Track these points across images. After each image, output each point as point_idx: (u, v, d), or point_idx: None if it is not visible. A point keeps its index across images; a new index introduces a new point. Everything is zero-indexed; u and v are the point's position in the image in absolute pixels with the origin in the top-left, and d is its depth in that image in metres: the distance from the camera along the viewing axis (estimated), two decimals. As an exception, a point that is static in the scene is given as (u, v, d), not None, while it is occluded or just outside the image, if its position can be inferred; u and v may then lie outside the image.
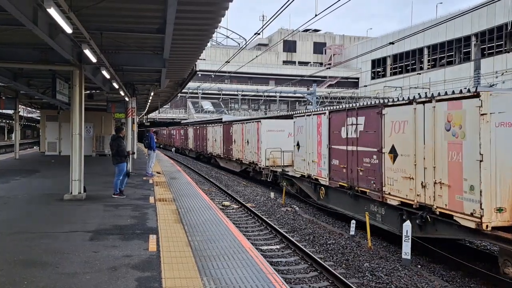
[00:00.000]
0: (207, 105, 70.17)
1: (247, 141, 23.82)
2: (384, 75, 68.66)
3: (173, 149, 53.25)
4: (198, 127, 39.29)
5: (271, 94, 63.36)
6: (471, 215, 7.82)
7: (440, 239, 9.30)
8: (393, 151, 10.26)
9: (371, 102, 12.52)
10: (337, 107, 14.26)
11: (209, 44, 15.15)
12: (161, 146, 62.26)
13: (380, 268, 8.84)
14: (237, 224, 12.54)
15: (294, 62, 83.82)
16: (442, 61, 57.88)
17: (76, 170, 11.47)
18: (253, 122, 23.42)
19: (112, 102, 21.53)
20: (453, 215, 8.30)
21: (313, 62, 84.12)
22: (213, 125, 33.50)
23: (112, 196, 11.76)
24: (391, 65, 67.94)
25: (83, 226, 8.39)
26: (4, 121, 62.26)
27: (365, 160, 11.45)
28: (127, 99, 19.01)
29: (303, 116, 15.89)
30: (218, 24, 9.65)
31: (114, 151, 12.00)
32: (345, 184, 12.55)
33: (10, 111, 39.02)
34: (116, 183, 11.91)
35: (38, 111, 37.43)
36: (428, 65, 60.36)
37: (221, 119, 44.41)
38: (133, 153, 12.05)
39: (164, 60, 12.80)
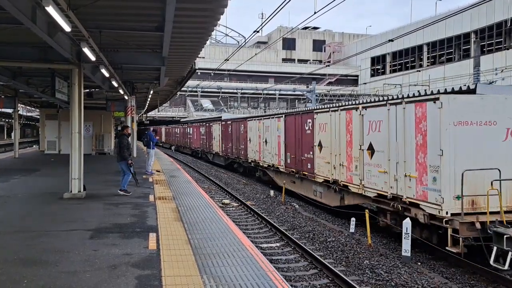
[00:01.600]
0: (206, 103, 70.12)
1: (371, 149, 11.23)
2: (383, 73, 68.62)
3: (173, 148, 53.01)
4: (230, 123, 27.25)
5: (270, 92, 63.36)
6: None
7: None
8: None
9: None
10: (336, 104, 14.01)
11: (208, 42, 15.16)
12: (174, 147, 56.95)
13: (380, 266, 8.85)
14: (237, 222, 12.55)
15: (293, 60, 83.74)
16: (442, 58, 57.85)
17: (76, 169, 11.48)
18: (404, 103, 10.03)
19: (111, 100, 21.54)
20: None
21: (313, 60, 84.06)
22: (260, 118, 21.21)
23: (119, 193, 11.86)
24: (390, 63, 67.89)
25: (83, 224, 8.40)
26: (3, 120, 62.28)
27: None
28: (126, 97, 19.02)
29: None
30: (217, 22, 9.64)
31: (117, 149, 12.30)
32: None
33: (10, 110, 39.04)
34: (125, 180, 12.07)
35: (37, 110, 37.45)
36: (428, 62, 60.33)
37: (221, 117, 44.33)
38: (131, 164, 12.31)
39: (163, 58, 12.80)
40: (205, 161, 36.46)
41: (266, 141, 20.02)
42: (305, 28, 78.96)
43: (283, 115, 17.98)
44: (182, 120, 63.45)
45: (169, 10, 7.65)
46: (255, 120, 22.08)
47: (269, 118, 19.92)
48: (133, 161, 12.80)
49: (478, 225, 8.22)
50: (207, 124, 34.59)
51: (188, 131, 44.01)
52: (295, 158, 16.39)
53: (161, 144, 61.55)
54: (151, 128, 58.51)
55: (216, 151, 31.12)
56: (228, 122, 27.77)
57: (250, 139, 22.57)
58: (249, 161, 22.71)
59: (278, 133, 18.32)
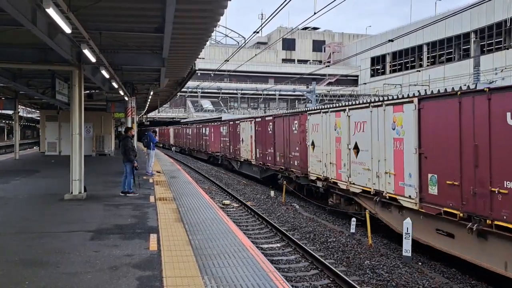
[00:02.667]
0: (206, 104, 70.19)
1: None
2: (383, 73, 68.64)
3: (173, 148, 52.96)
4: (271, 119, 19.68)
5: (270, 92, 63.44)
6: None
7: None
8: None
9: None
10: (337, 105, 13.60)
11: (208, 43, 15.15)
12: (175, 148, 51.97)
13: (381, 266, 8.86)
14: (238, 223, 12.54)
15: (293, 60, 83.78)
16: (442, 58, 57.88)
17: (76, 170, 11.49)
18: None
19: (111, 101, 21.54)
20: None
21: (312, 60, 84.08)
22: (341, 109, 13.07)
23: (127, 195, 11.91)
24: (390, 63, 67.90)
25: (83, 225, 8.40)
26: (3, 121, 62.30)
27: None
28: (126, 98, 19.00)
29: None
30: (217, 23, 9.65)
31: (123, 151, 12.37)
32: None
33: (10, 112, 39.04)
34: (129, 182, 12.13)
35: (37, 111, 37.48)
36: (428, 62, 60.34)
37: (221, 117, 44.30)
38: (137, 167, 12.41)
39: (163, 60, 12.80)
40: (228, 169, 28.80)
41: (356, 148, 11.88)
42: (305, 28, 78.97)
43: (416, 100, 9.53)
44: (182, 120, 63.49)
45: (169, 11, 7.66)
46: (328, 113, 13.65)
47: (367, 107, 11.40)
48: (138, 164, 12.86)
49: None
50: (232, 123, 27.39)
51: (204, 131, 36.27)
52: (461, 188, 8.11)
53: (161, 145, 61.33)
54: (157, 128, 57.89)
55: (245, 157, 23.50)
56: (267, 119, 20.36)
57: (313, 144, 14.81)
58: (313, 177, 14.84)
59: (398, 135, 10.14)
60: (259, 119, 21.75)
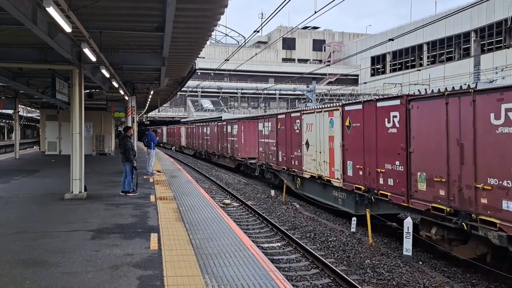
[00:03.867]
0: (206, 103, 70.17)
1: None
2: (383, 72, 68.67)
3: (173, 148, 52.85)
4: (400, 105, 9.72)
5: (270, 91, 63.38)
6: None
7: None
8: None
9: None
10: (336, 104, 13.35)
11: (208, 43, 15.13)
12: (175, 148, 46.46)
13: (382, 265, 8.85)
14: (238, 222, 12.55)
15: (293, 60, 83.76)
16: (442, 57, 57.86)
17: (77, 170, 11.48)
18: None
19: (111, 101, 21.54)
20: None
21: (313, 60, 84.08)
22: None
23: (127, 195, 11.90)
24: (390, 62, 67.89)
25: (84, 225, 8.40)
26: (4, 121, 62.35)
27: None
28: (126, 98, 18.99)
29: None
30: (217, 22, 9.65)
31: (122, 150, 12.36)
32: None
33: (10, 111, 39.08)
34: (129, 181, 12.15)
35: (37, 110, 37.46)
36: (428, 61, 60.33)
37: (221, 117, 44.25)
38: (136, 167, 12.39)
39: (163, 59, 12.80)
40: (275, 187, 19.53)
41: None
42: (305, 27, 78.95)
43: None
44: (182, 120, 63.42)
45: (169, 10, 7.65)
46: None
47: None
48: (138, 164, 12.85)
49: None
50: (284, 116, 17.60)
51: (230, 130, 27.67)
52: None
53: (161, 144, 60.88)
54: (164, 127, 56.70)
55: (315, 173, 14.50)
56: (385, 105, 10.48)
57: None
58: None
59: None
60: (358, 107, 11.81)
